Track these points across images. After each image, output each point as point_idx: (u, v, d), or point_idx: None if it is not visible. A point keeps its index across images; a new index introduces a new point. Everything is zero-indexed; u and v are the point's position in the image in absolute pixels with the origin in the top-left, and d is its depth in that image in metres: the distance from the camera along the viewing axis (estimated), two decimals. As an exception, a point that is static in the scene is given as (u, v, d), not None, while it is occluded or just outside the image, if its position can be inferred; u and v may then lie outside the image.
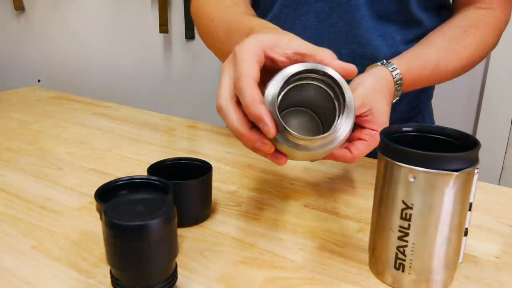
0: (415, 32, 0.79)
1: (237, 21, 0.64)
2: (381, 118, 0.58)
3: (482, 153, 0.44)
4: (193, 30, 1.73)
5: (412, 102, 0.88)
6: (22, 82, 1.69)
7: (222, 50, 0.68)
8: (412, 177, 0.42)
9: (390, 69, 0.64)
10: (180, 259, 0.49)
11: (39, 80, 2.12)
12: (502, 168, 1.42)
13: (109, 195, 0.49)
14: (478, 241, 0.54)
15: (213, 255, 0.51)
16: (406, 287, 0.46)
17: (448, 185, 0.41)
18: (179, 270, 0.45)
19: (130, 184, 0.52)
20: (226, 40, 0.64)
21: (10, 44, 2.17)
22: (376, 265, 0.48)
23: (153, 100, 1.87)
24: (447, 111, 0.74)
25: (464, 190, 0.43)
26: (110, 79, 1.96)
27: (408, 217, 0.43)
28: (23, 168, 0.73)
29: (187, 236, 0.54)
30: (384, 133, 0.46)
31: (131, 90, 1.92)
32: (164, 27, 1.75)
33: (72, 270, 0.48)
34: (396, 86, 0.64)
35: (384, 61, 0.66)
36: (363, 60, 0.78)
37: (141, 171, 0.67)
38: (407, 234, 0.44)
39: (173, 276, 0.42)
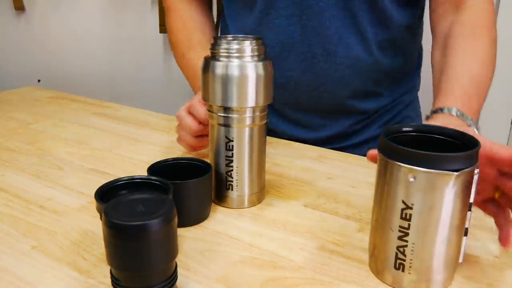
0: (387, 31, 0.80)
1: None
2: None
3: (482, 153, 0.44)
4: (193, 30, 1.72)
5: (395, 95, 0.89)
6: (22, 82, 1.68)
7: (188, 82, 0.92)
8: (412, 177, 0.42)
9: (458, 115, 0.60)
10: (180, 259, 0.49)
11: (39, 80, 2.12)
12: (502, 168, 1.42)
13: (109, 195, 0.49)
14: (478, 241, 0.54)
15: (213, 255, 0.51)
16: (406, 287, 0.46)
17: (448, 185, 0.41)
18: (179, 270, 0.45)
19: (130, 184, 0.52)
20: (193, 83, 0.90)
21: (10, 44, 2.17)
22: (376, 265, 0.48)
23: (153, 100, 1.87)
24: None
25: (464, 190, 0.43)
26: (110, 79, 1.96)
27: (408, 217, 0.43)
28: (23, 168, 0.73)
29: (187, 236, 0.54)
30: (384, 133, 0.46)
31: (131, 90, 1.92)
32: (164, 27, 1.74)
33: (72, 270, 0.48)
34: (465, 120, 0.60)
35: (447, 108, 0.61)
36: (336, 58, 0.80)
37: (141, 171, 0.67)
38: (407, 234, 0.44)
39: (173, 276, 0.42)
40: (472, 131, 0.50)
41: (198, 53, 0.85)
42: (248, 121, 0.58)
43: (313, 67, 0.81)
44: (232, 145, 0.59)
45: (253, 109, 0.57)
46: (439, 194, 0.42)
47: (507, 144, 1.39)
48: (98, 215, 0.51)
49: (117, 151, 0.81)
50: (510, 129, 1.39)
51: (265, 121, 0.60)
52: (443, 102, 0.62)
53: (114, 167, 0.74)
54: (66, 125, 0.95)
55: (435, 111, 0.62)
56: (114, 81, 1.96)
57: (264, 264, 0.49)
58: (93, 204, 0.59)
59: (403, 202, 0.43)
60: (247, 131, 0.58)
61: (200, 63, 0.78)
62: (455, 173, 0.41)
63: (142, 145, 0.85)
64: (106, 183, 0.51)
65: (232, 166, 0.59)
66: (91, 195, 0.49)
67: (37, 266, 0.49)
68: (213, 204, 0.61)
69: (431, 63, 0.76)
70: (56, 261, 0.49)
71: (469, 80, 0.66)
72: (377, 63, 0.82)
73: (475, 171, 0.43)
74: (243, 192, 0.61)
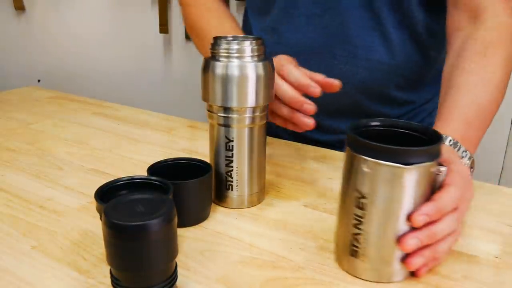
0: (411, 35, 0.78)
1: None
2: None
3: (482, 153, 0.44)
4: (193, 30, 1.72)
5: (417, 101, 0.87)
6: (22, 82, 1.69)
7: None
8: (366, 168, 0.43)
9: (451, 145, 0.57)
10: (180, 259, 0.49)
11: (39, 80, 2.12)
12: (502, 168, 1.42)
13: (109, 195, 0.49)
14: (478, 241, 0.54)
15: (213, 255, 0.51)
16: (360, 274, 0.47)
17: (400, 178, 0.42)
18: (179, 270, 0.45)
19: (130, 184, 0.52)
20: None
21: (10, 44, 2.17)
22: (337, 252, 0.50)
23: (153, 100, 1.87)
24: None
25: (420, 184, 0.43)
26: (110, 79, 1.96)
27: (362, 206, 0.45)
28: (23, 168, 0.73)
29: (187, 236, 0.54)
30: (351, 126, 0.47)
31: (131, 90, 1.92)
32: (164, 27, 1.75)
33: (72, 270, 0.48)
34: (458, 150, 0.57)
35: (442, 136, 0.57)
36: (356, 61, 0.78)
37: (141, 171, 0.67)
38: (361, 223, 0.45)
39: (173, 276, 0.42)
40: (459, 163, 0.50)
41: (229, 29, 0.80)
42: (248, 121, 0.58)
43: (332, 69, 0.79)
44: (232, 145, 0.59)
45: (253, 109, 0.57)
46: (391, 186, 0.43)
47: (506, 144, 1.39)
48: (98, 215, 0.52)
49: (117, 151, 0.81)
50: (510, 129, 1.39)
51: (265, 121, 0.60)
52: (440, 129, 0.60)
53: (114, 167, 0.74)
54: (66, 125, 0.95)
55: None
56: (114, 81, 1.96)
57: (264, 264, 0.49)
58: (93, 204, 0.59)
59: (358, 191, 0.45)
60: (247, 131, 0.58)
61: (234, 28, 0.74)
62: (406, 166, 0.42)
63: (142, 145, 0.85)
64: (106, 183, 0.51)
65: (232, 166, 0.60)
66: (91, 195, 0.49)
67: (37, 266, 0.49)
68: (213, 204, 0.61)
69: (442, 78, 0.72)
70: (56, 261, 0.49)
71: (472, 106, 0.62)
72: (400, 67, 0.79)
73: (441, 169, 0.45)
74: (243, 192, 0.61)
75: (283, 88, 0.61)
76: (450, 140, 0.57)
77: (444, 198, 0.45)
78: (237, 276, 0.47)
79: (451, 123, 0.60)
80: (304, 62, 0.81)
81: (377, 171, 0.43)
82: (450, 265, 0.50)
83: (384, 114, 0.85)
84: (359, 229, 0.46)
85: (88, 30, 1.96)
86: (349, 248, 0.47)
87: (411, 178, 0.43)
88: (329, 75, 0.80)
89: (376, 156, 0.43)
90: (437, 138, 0.45)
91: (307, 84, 0.61)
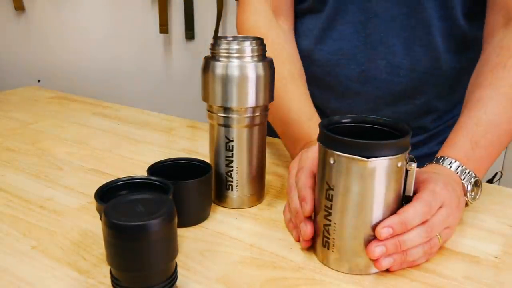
0: (458, 43, 0.75)
1: (296, 121, 0.69)
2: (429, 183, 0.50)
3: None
4: (193, 30, 1.72)
5: (455, 110, 0.84)
6: (22, 82, 1.69)
7: (277, 131, 0.75)
8: (332, 160, 0.45)
9: (454, 169, 0.56)
10: (180, 259, 0.49)
11: (39, 80, 2.12)
12: (502, 168, 1.42)
13: (109, 195, 0.49)
14: (478, 241, 0.54)
15: (213, 255, 0.51)
16: (332, 265, 0.48)
17: (364, 170, 0.44)
18: (179, 270, 0.45)
19: (130, 184, 0.52)
20: (283, 135, 0.73)
21: (10, 44, 2.17)
22: (314, 244, 0.51)
23: (153, 100, 1.87)
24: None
25: (385, 177, 0.44)
26: (110, 79, 1.96)
27: (330, 197, 0.46)
28: (23, 168, 0.73)
29: (187, 236, 0.54)
30: (323, 124, 0.48)
31: (131, 90, 1.92)
32: (164, 27, 1.74)
33: (72, 270, 0.48)
34: (461, 175, 0.56)
35: (448, 159, 0.57)
36: (399, 70, 0.76)
37: (141, 171, 0.67)
38: (330, 214, 0.47)
39: (173, 276, 0.42)
40: (439, 185, 0.49)
41: (292, 92, 0.72)
42: (248, 121, 0.58)
43: (374, 78, 0.77)
44: (232, 145, 0.59)
45: (253, 109, 0.57)
46: (355, 178, 0.44)
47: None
48: (98, 215, 0.52)
49: (117, 151, 0.81)
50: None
51: (265, 121, 0.60)
52: (447, 150, 0.59)
53: (114, 167, 0.74)
54: (66, 125, 0.95)
55: (438, 159, 0.58)
56: (114, 81, 1.96)
57: (264, 264, 0.49)
58: (93, 204, 0.59)
59: (327, 183, 0.46)
60: (247, 131, 0.58)
61: (296, 112, 0.70)
62: (366, 159, 0.43)
63: (142, 145, 0.85)
64: (106, 183, 0.51)
65: (232, 167, 0.60)
66: (91, 195, 0.49)
67: (37, 266, 0.49)
68: (213, 204, 0.61)
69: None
70: (56, 261, 0.49)
71: (480, 124, 0.59)
72: (444, 75, 0.77)
73: (412, 165, 0.46)
74: (243, 192, 0.61)
75: (291, 195, 0.55)
76: (451, 162, 0.56)
77: (409, 212, 0.46)
78: (237, 276, 0.47)
79: (456, 143, 0.59)
80: (345, 70, 0.78)
81: (340, 163, 0.45)
82: (450, 265, 0.50)
83: (423, 125, 0.83)
84: (328, 220, 0.47)
85: (88, 30, 1.95)
86: (322, 239, 0.49)
87: (373, 170, 0.44)
88: (370, 85, 0.77)
89: (341, 150, 0.44)
90: (405, 133, 0.46)
91: (303, 196, 0.51)
